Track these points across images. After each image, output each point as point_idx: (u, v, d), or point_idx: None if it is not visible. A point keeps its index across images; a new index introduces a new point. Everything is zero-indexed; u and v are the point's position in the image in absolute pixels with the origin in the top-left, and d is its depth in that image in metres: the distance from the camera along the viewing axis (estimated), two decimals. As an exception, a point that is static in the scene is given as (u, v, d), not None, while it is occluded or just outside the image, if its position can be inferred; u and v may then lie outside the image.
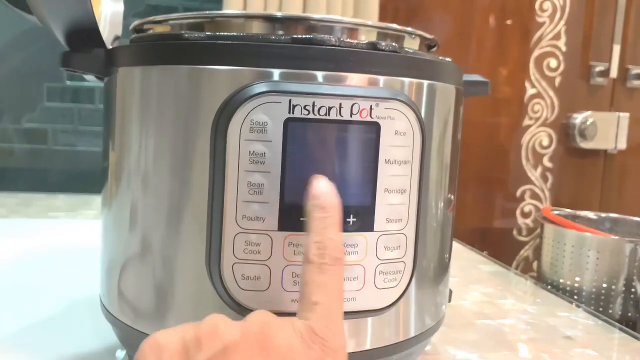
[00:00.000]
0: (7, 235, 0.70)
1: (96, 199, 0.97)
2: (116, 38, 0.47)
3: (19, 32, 1.36)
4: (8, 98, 1.41)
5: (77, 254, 0.63)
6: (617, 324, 0.51)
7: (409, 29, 0.35)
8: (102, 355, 0.38)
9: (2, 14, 1.34)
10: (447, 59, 0.37)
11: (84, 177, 1.41)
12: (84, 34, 0.35)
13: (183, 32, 0.32)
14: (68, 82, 1.42)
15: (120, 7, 0.48)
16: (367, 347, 0.33)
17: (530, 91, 1.39)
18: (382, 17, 1.30)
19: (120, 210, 0.34)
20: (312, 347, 0.24)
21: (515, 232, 1.43)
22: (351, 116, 0.29)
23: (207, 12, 0.34)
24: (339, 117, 0.29)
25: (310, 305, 0.25)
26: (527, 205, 1.43)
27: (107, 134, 0.36)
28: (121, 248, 0.34)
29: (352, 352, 0.32)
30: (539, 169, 1.42)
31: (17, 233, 0.72)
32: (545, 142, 1.42)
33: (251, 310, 0.29)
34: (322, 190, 0.28)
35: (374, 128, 0.30)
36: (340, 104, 0.29)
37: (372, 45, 0.31)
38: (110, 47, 0.38)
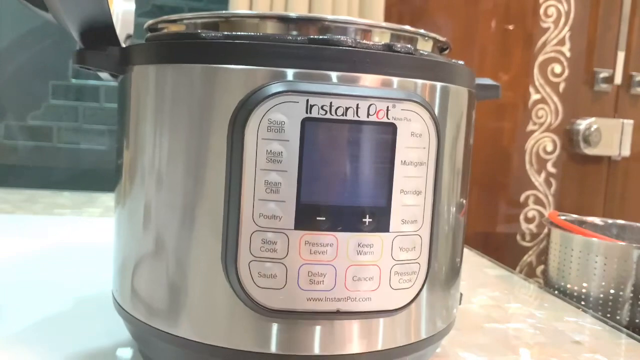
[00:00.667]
0: (12, 231, 0.70)
1: (100, 197, 0.97)
2: (128, 37, 0.47)
3: (25, 30, 1.37)
4: (13, 95, 1.41)
5: (84, 252, 0.63)
6: (625, 329, 0.51)
7: (422, 31, 0.35)
8: (111, 352, 0.38)
9: (8, 13, 1.34)
10: (460, 62, 0.38)
11: (88, 175, 1.41)
12: (99, 32, 0.35)
13: (199, 31, 0.32)
14: (73, 81, 1.42)
15: (131, 6, 0.48)
16: (379, 347, 0.33)
17: (535, 96, 1.40)
18: (387, 19, 1.30)
19: (134, 207, 0.34)
20: None
21: (518, 237, 1.43)
22: (368, 117, 0.29)
23: (222, 12, 0.34)
24: (355, 118, 0.29)
25: None
26: (531, 210, 1.43)
27: (121, 131, 0.36)
28: (135, 245, 0.34)
29: (364, 353, 0.32)
30: (543, 175, 1.42)
31: (23, 230, 0.72)
32: (549, 148, 1.42)
33: (267, 309, 0.29)
34: None
35: (391, 129, 0.30)
36: (358, 105, 0.29)
37: (388, 47, 0.31)
38: (123, 45, 0.38)
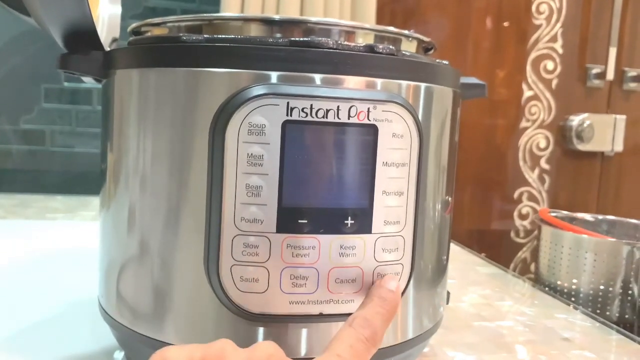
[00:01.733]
0: (4, 236, 0.70)
1: (94, 201, 0.97)
2: (114, 40, 0.47)
3: (17, 33, 1.36)
4: (6, 99, 1.41)
5: (75, 256, 0.63)
6: (614, 325, 0.51)
7: (406, 31, 0.35)
8: (100, 357, 0.38)
9: (-1, 16, 1.33)
10: (445, 62, 0.38)
11: (82, 179, 1.41)
12: (81, 36, 0.35)
13: (181, 34, 0.32)
14: (66, 84, 1.42)
15: (118, 10, 0.48)
16: (365, 349, 0.33)
17: (527, 93, 1.40)
18: (379, 19, 1.30)
19: (118, 212, 0.34)
20: None
21: (512, 234, 1.43)
22: (349, 119, 0.29)
23: (205, 14, 0.34)
24: (336, 120, 0.29)
25: (334, 355, 0.26)
26: (525, 207, 1.43)
27: (105, 136, 0.36)
28: (120, 250, 0.34)
29: (350, 354, 0.32)
30: (536, 171, 1.43)
31: (15, 234, 0.72)
32: (543, 144, 1.42)
33: (249, 313, 0.29)
34: (392, 287, 0.30)
35: (372, 130, 0.30)
36: (338, 107, 0.29)
37: (370, 48, 0.31)
38: (108, 49, 0.38)
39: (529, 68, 1.39)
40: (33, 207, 0.90)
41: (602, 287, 0.62)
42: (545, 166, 1.43)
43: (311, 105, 0.29)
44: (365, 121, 0.30)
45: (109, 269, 0.36)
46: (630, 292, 0.62)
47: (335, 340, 0.27)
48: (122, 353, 0.38)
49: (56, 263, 0.60)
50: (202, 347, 0.24)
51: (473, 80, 0.43)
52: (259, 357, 0.24)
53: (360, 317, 0.28)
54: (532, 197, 1.43)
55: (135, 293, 0.33)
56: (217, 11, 1.27)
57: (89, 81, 0.39)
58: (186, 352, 0.24)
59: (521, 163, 1.42)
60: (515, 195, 1.42)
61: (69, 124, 1.43)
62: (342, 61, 0.30)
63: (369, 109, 0.29)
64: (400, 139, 0.31)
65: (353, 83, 0.30)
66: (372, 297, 0.30)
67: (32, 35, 1.35)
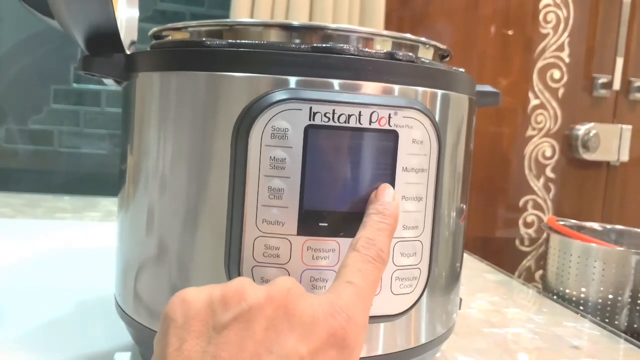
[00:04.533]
0: (14, 235, 0.71)
1: (101, 201, 0.97)
2: (132, 43, 0.47)
3: (27, 35, 1.37)
4: (15, 99, 1.42)
5: (85, 256, 0.63)
6: (623, 334, 0.52)
7: (423, 39, 0.36)
8: (112, 355, 0.39)
9: (10, 18, 1.35)
10: (461, 70, 0.38)
11: (88, 179, 1.41)
12: (104, 39, 0.35)
13: (204, 39, 0.33)
14: (74, 85, 1.43)
15: (135, 13, 0.48)
16: (379, 352, 0.33)
17: (534, 102, 1.40)
18: (387, 25, 1.31)
19: (137, 212, 0.35)
20: (336, 318, 0.24)
21: (517, 242, 1.44)
22: (370, 124, 0.30)
23: (226, 20, 0.34)
24: (358, 125, 0.30)
25: (344, 283, 0.26)
26: (530, 215, 1.43)
27: (125, 137, 0.37)
28: (138, 250, 0.35)
29: (364, 358, 0.32)
30: (542, 180, 1.43)
31: (24, 234, 0.72)
32: (548, 153, 1.42)
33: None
34: (388, 199, 0.29)
35: (392, 136, 0.30)
36: (360, 112, 0.29)
37: (390, 55, 0.32)
38: (127, 52, 0.38)
39: (535, 77, 1.40)
40: (42, 207, 0.90)
41: (610, 296, 0.62)
42: (551, 175, 1.43)
43: (333, 110, 0.29)
44: (386, 127, 0.30)
45: (126, 268, 0.36)
46: (638, 301, 0.62)
47: (343, 267, 0.27)
48: (126, 355, 0.39)
49: (65, 263, 0.61)
50: (221, 286, 0.24)
51: (488, 88, 0.43)
52: (278, 291, 0.24)
53: (362, 239, 0.28)
54: (537, 206, 1.43)
55: (153, 292, 0.33)
56: (226, 15, 1.28)
57: (109, 83, 0.40)
58: (205, 291, 0.24)
59: (527, 171, 1.42)
60: (521, 203, 1.42)
61: (76, 124, 1.43)
62: (363, 67, 0.31)
63: (390, 114, 0.30)
64: (420, 145, 0.31)
65: (372, 89, 0.31)
66: (369, 214, 0.29)
67: (42, 37, 1.36)
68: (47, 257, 0.62)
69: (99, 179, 1.38)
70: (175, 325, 0.24)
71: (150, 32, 0.39)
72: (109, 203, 0.94)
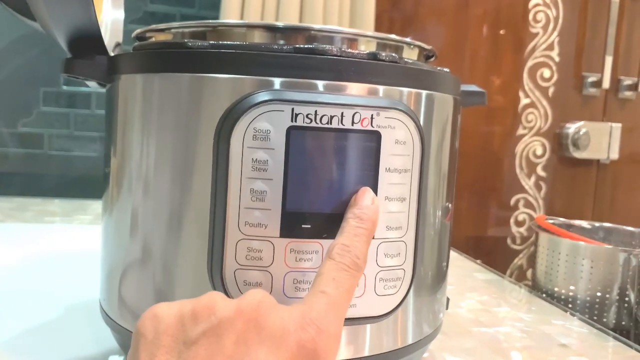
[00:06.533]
0: (2, 240, 0.70)
1: (91, 204, 0.97)
2: (117, 45, 0.47)
3: (16, 37, 1.36)
4: (4, 102, 1.41)
5: (74, 259, 0.63)
6: (611, 332, 0.52)
7: (408, 39, 0.36)
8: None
9: (-1, 19, 1.34)
10: (445, 70, 0.38)
11: (79, 182, 1.41)
12: (86, 41, 0.35)
13: (186, 40, 0.32)
14: (64, 87, 1.42)
15: (121, 15, 0.48)
16: (365, 354, 0.33)
17: (524, 101, 1.41)
18: (378, 26, 1.31)
19: (121, 216, 0.34)
20: (306, 330, 0.24)
21: (509, 241, 1.44)
22: (352, 125, 0.30)
23: (209, 21, 0.34)
24: (340, 126, 0.29)
25: (318, 293, 0.26)
26: (521, 214, 1.44)
27: (108, 140, 0.37)
28: (122, 254, 0.34)
29: (350, 359, 0.32)
30: (533, 178, 1.43)
31: (13, 238, 0.71)
32: (539, 152, 1.43)
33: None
34: (367, 202, 0.29)
35: (375, 137, 0.30)
36: (342, 113, 0.29)
37: (373, 56, 0.32)
38: (111, 54, 0.38)
39: (525, 76, 1.40)
40: (31, 210, 0.90)
41: (598, 294, 0.63)
42: (542, 173, 1.44)
43: (315, 111, 0.29)
44: (369, 127, 0.30)
45: (111, 273, 0.36)
46: (626, 299, 0.62)
47: (318, 276, 0.27)
48: (119, 357, 0.38)
49: (55, 266, 0.60)
50: (192, 301, 0.24)
51: (473, 87, 0.43)
52: (248, 304, 0.24)
53: (338, 245, 0.28)
54: (528, 204, 1.44)
55: (137, 297, 0.33)
56: (217, 17, 1.28)
57: (92, 86, 0.39)
58: (176, 306, 0.24)
59: (518, 170, 1.42)
60: (512, 202, 1.43)
61: (67, 127, 1.43)
62: (346, 68, 0.31)
63: (372, 115, 0.30)
64: (403, 146, 0.31)
65: (356, 90, 0.31)
66: (347, 219, 0.29)
67: (32, 39, 1.35)
68: (35, 261, 0.62)
69: (90, 182, 1.37)
70: (145, 341, 0.24)
71: (134, 34, 0.39)
72: (99, 206, 0.94)
